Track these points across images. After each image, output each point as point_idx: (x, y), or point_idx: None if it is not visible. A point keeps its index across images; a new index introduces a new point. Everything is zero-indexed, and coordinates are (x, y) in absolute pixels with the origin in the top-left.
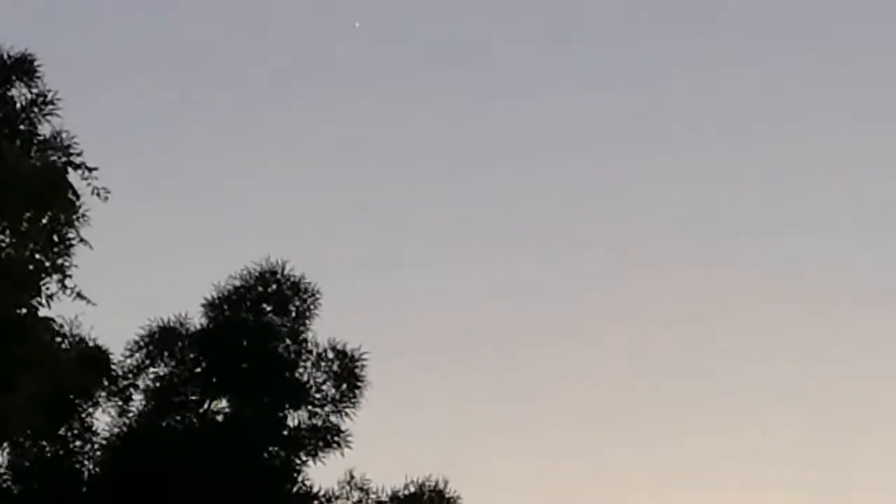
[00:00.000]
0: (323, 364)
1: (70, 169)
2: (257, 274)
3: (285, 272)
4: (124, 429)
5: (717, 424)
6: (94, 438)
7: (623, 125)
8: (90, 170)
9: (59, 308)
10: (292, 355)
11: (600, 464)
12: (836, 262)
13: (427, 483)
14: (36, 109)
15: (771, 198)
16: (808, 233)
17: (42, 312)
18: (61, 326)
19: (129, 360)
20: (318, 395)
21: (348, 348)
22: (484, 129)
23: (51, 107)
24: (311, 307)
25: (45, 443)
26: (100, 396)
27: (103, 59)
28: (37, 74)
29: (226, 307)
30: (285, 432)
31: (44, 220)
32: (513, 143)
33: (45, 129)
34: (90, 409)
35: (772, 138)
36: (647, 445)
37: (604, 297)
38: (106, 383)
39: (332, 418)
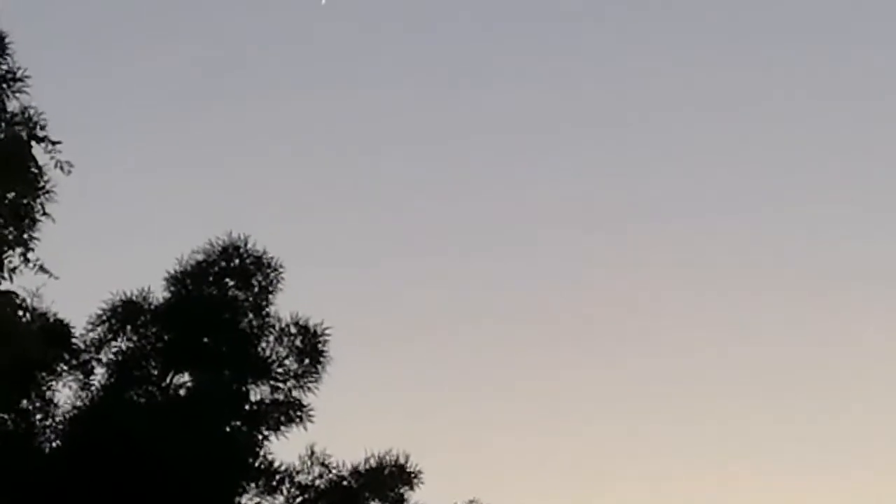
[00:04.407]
0: (285, 339)
1: (34, 142)
2: (220, 248)
3: (248, 247)
4: (86, 402)
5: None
6: (56, 412)
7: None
8: (54, 143)
9: (21, 281)
10: (255, 330)
11: (562, 442)
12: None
13: (388, 457)
14: (5, 85)
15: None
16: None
17: (4, 286)
18: (23, 300)
19: (91, 334)
20: (280, 370)
21: (311, 324)
22: (446, 109)
23: (20, 84)
24: (274, 282)
25: (5, 416)
26: (61, 370)
27: (71, 36)
28: (7, 51)
29: (188, 281)
30: (247, 407)
31: (7, 194)
32: (478, 122)
33: (12, 105)
34: (51, 383)
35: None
36: (610, 428)
37: (569, 277)
38: (67, 357)
39: (295, 393)
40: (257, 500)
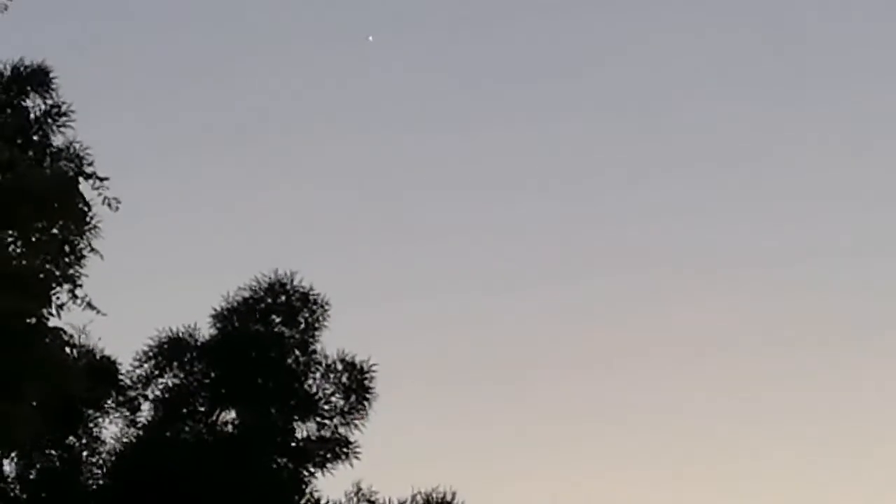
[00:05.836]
0: (332, 376)
1: (81, 179)
2: (266, 285)
3: (294, 283)
4: (132, 439)
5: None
6: (102, 448)
7: (633, 160)
8: (101, 180)
9: (68, 317)
10: (301, 367)
11: (604, 481)
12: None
13: (434, 495)
14: (50, 121)
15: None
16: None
17: (52, 322)
18: (71, 336)
19: (138, 371)
20: (326, 407)
21: (357, 360)
22: (499, 152)
23: (65, 118)
24: (321, 319)
25: (52, 452)
26: (108, 406)
27: (117, 72)
28: (52, 86)
29: (235, 318)
30: (294, 444)
31: (55, 230)
32: (529, 168)
33: (58, 140)
34: (98, 419)
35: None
36: (643, 461)
37: (612, 321)
38: (114, 393)
39: (341, 430)
40: None
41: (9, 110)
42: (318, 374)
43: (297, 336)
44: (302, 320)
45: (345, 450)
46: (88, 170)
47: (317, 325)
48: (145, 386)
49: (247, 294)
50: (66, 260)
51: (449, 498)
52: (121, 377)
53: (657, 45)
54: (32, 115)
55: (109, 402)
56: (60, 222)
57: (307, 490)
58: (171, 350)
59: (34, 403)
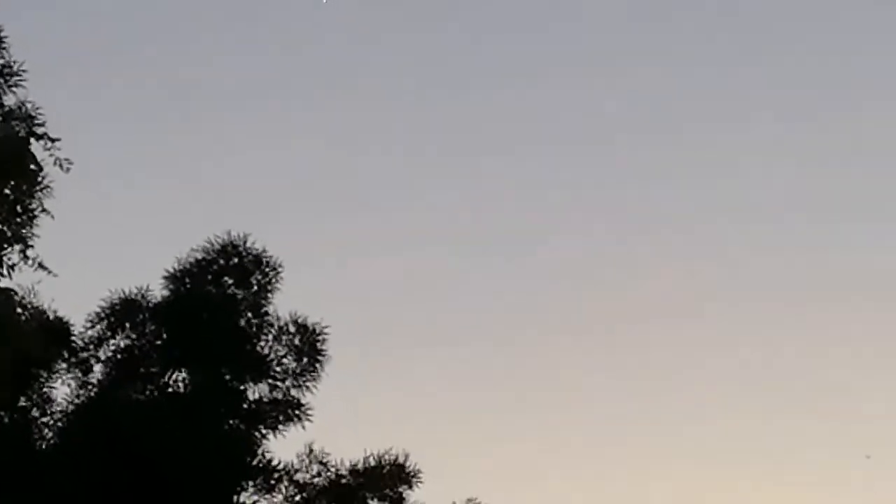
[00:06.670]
0: (284, 338)
1: (33, 139)
2: (219, 247)
3: (247, 245)
4: (84, 400)
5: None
6: (54, 409)
7: (615, 120)
8: (53, 140)
9: (20, 278)
10: (253, 328)
11: (562, 445)
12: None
13: (387, 456)
14: (1, 80)
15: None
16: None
17: (3, 283)
18: (22, 297)
19: (89, 332)
20: (278, 369)
21: (309, 322)
22: (454, 115)
23: (16, 78)
24: (273, 281)
25: (3, 413)
26: (59, 367)
27: (69, 33)
28: (2, 45)
29: (187, 279)
30: (245, 405)
31: (6, 190)
32: (490, 132)
33: (10, 100)
34: (50, 380)
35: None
36: (608, 428)
37: (572, 280)
38: (66, 354)
39: (293, 392)
40: (255, 498)
41: None
42: (270, 336)
43: (250, 298)
44: (254, 282)
45: (297, 411)
46: (40, 130)
47: (269, 286)
48: (97, 347)
49: (199, 256)
50: (18, 220)
51: (402, 460)
52: (73, 338)
53: None
54: None
55: (61, 362)
56: (12, 182)
57: (259, 451)
58: (123, 311)
59: None
